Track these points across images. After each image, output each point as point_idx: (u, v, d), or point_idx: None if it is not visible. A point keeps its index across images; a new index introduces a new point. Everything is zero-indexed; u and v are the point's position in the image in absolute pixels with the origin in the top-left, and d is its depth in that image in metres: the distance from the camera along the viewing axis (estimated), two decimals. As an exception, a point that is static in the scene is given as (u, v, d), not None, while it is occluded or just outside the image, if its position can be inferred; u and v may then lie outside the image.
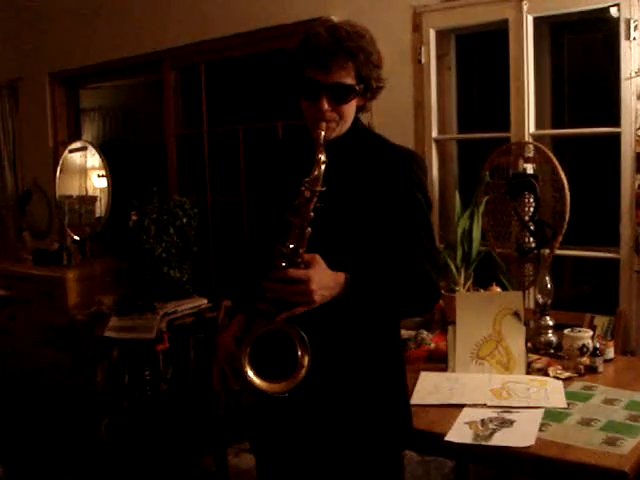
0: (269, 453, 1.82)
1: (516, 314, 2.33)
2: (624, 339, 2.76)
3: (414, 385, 2.18)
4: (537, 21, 2.99)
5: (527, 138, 3.03)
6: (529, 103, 3.02)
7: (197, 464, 3.41)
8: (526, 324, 2.37)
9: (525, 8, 2.94)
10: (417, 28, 3.26)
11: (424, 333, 2.61)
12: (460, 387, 2.17)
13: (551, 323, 2.56)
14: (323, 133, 1.60)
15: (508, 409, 1.98)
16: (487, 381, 2.20)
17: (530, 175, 2.98)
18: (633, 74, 2.72)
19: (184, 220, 3.92)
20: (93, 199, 4.82)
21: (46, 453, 3.61)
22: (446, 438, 1.85)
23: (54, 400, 4.05)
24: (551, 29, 3.25)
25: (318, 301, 1.55)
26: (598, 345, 2.32)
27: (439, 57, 3.31)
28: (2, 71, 5.11)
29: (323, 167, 1.56)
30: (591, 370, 2.28)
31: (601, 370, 2.28)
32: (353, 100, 1.66)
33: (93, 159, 4.80)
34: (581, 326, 2.52)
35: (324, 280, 1.55)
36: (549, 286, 2.57)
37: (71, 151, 4.89)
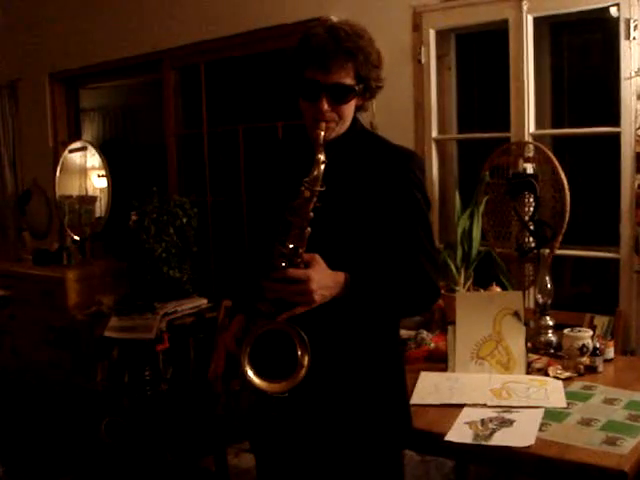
0: (269, 453, 1.82)
1: (516, 314, 2.32)
2: (624, 339, 2.76)
3: (414, 385, 2.18)
4: (537, 21, 2.99)
5: (527, 138, 3.03)
6: (529, 103, 3.02)
7: (197, 464, 3.41)
8: (526, 324, 2.37)
9: (525, 8, 2.94)
10: (417, 28, 3.26)
11: (424, 333, 2.61)
12: (460, 387, 2.17)
13: (551, 323, 2.56)
14: (323, 133, 1.61)
15: (508, 409, 1.98)
16: (487, 381, 2.20)
17: (530, 175, 2.98)
18: (633, 74, 2.72)
19: (184, 220, 3.92)
20: (93, 199, 4.82)
21: (46, 453, 3.61)
22: (446, 438, 1.85)
23: (54, 400, 4.05)
24: (551, 29, 3.25)
25: (318, 301, 1.55)
26: (598, 345, 2.32)
27: (439, 57, 3.31)
28: (2, 71, 5.12)
29: (322, 167, 1.56)
30: (591, 370, 2.28)
31: (601, 370, 2.28)
32: (352, 100, 1.66)
33: (93, 159, 4.80)
34: (581, 326, 2.51)
35: (324, 280, 1.55)
36: (549, 286, 2.57)
37: (71, 151, 4.89)
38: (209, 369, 2.92)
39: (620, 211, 2.83)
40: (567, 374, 2.24)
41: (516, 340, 2.29)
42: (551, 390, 2.11)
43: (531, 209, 2.98)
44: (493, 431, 1.85)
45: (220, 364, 1.74)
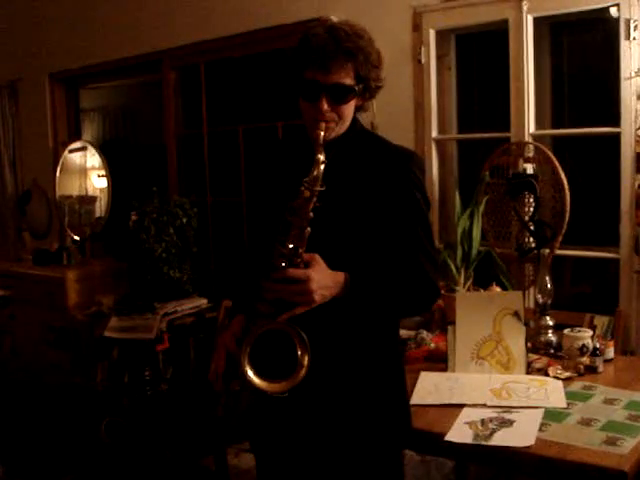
0: (269, 453, 1.82)
1: (516, 314, 2.32)
2: (624, 339, 2.76)
3: (414, 385, 2.18)
4: (537, 21, 2.99)
5: (527, 138, 3.03)
6: (529, 103, 3.02)
7: (197, 464, 3.41)
8: (526, 324, 2.37)
9: (525, 8, 2.94)
10: (417, 28, 3.26)
11: (424, 333, 2.61)
12: (460, 387, 2.17)
13: (551, 323, 2.56)
14: (322, 133, 1.61)
15: (508, 409, 1.98)
16: (487, 381, 2.20)
17: (530, 175, 2.98)
18: (633, 74, 2.72)
19: (184, 220, 3.92)
20: (93, 199, 4.82)
21: (46, 453, 3.61)
22: (446, 438, 1.85)
23: (54, 400, 4.05)
24: (551, 29, 3.25)
25: (318, 301, 1.55)
26: (598, 345, 2.32)
27: (439, 57, 3.31)
28: (2, 71, 5.12)
29: (322, 167, 1.57)
30: (591, 370, 2.28)
31: (601, 370, 2.28)
32: (352, 100, 1.66)
33: (93, 159, 4.80)
34: (581, 326, 2.51)
35: (324, 280, 1.56)
36: (549, 286, 2.57)
37: (71, 151, 4.89)
38: (209, 369, 2.91)
39: (620, 211, 2.83)
40: (567, 374, 2.24)
41: (516, 340, 2.29)
42: (551, 390, 2.11)
43: (531, 209, 2.98)
44: (493, 431, 1.85)
45: (220, 364, 1.74)
